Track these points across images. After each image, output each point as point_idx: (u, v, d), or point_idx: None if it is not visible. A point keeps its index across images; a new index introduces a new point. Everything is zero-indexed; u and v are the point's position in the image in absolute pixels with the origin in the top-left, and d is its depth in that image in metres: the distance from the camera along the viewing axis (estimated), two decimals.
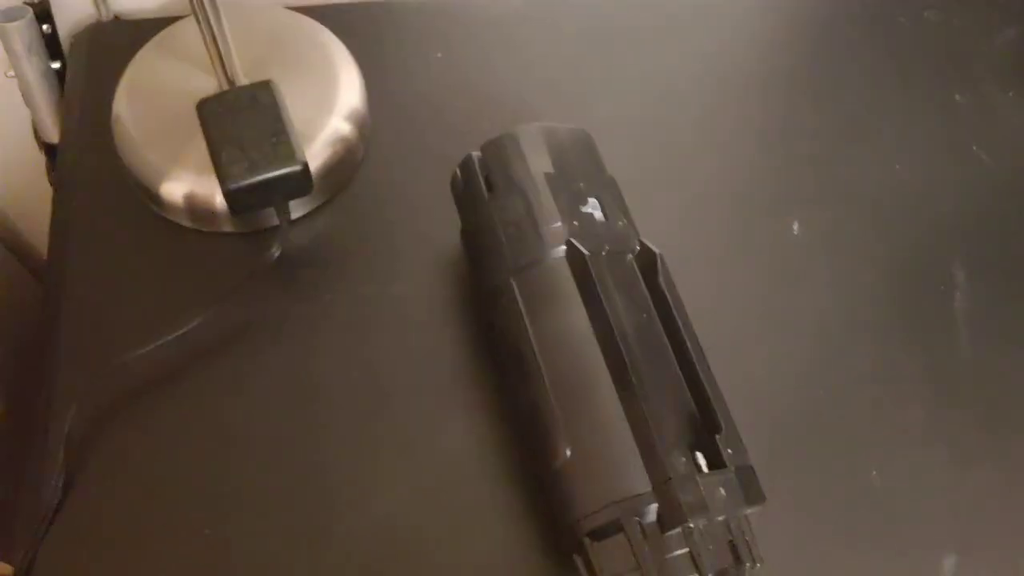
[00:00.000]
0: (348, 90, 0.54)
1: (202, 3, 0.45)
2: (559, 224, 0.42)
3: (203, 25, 0.47)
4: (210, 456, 0.44)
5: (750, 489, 0.38)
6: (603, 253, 0.42)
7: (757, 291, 0.52)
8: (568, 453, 0.39)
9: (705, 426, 0.39)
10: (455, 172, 0.47)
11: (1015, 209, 0.56)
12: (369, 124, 0.55)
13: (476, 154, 0.46)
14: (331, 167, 0.52)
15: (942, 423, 0.48)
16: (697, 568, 0.36)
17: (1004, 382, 0.50)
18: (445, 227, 0.49)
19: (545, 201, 0.43)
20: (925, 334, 0.51)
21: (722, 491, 0.37)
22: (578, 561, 0.39)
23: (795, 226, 0.53)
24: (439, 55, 0.59)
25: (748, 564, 0.37)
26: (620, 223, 0.44)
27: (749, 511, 0.38)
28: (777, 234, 0.53)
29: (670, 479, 0.36)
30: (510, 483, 0.44)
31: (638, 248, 0.44)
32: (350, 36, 0.56)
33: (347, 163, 0.54)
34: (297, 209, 0.52)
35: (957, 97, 0.61)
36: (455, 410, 0.46)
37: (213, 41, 0.48)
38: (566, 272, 0.42)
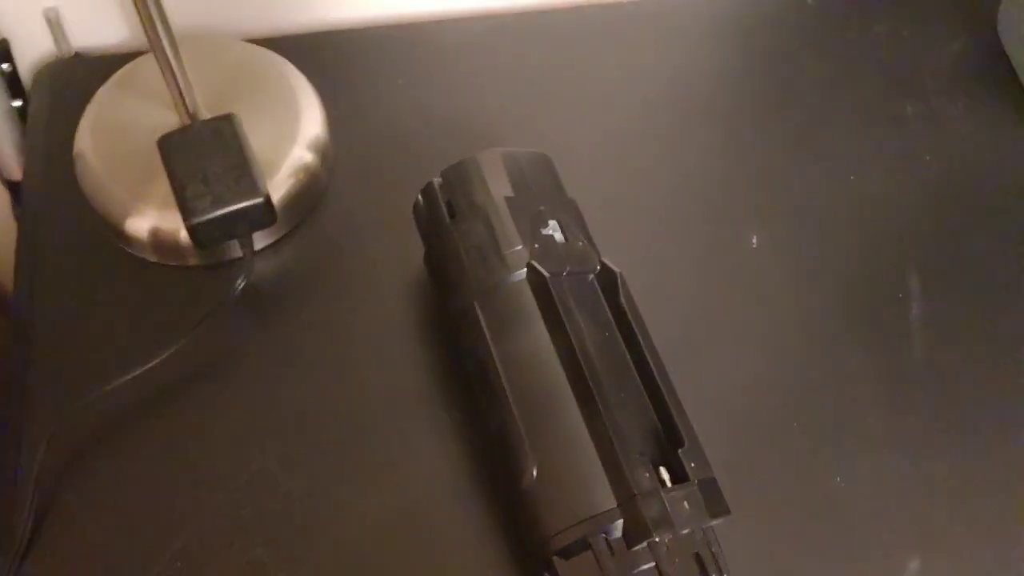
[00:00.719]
0: (309, 120, 0.55)
1: (159, 39, 0.46)
2: (520, 247, 0.43)
3: (161, 61, 0.47)
4: (181, 490, 0.44)
5: (714, 501, 0.39)
6: (564, 274, 0.43)
7: (717, 304, 0.53)
8: (534, 473, 0.39)
9: (668, 441, 0.40)
10: (417, 198, 0.48)
11: (966, 217, 0.58)
12: (332, 153, 0.56)
13: (437, 180, 0.47)
14: (294, 196, 0.53)
15: (901, 427, 0.49)
16: None
17: (958, 385, 0.51)
18: (409, 252, 0.50)
19: (506, 225, 0.44)
20: (883, 341, 0.52)
21: (686, 505, 0.38)
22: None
23: (753, 240, 0.54)
24: (400, 82, 0.60)
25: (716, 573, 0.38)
26: (580, 244, 0.45)
27: (714, 523, 0.39)
28: (735, 248, 0.55)
29: (635, 495, 0.37)
30: (481, 504, 0.45)
31: (599, 268, 0.44)
32: (310, 66, 0.56)
33: (310, 192, 0.54)
34: (261, 240, 0.52)
35: (908, 109, 0.62)
36: (426, 434, 0.47)
37: (172, 76, 0.48)
38: (528, 294, 0.42)
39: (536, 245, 0.43)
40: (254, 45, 0.58)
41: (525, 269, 0.43)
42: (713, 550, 0.39)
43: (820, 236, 0.56)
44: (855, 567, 0.45)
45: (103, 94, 0.54)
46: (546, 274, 0.42)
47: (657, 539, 0.37)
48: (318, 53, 0.59)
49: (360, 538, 0.44)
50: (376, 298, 0.51)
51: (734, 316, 0.52)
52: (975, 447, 0.49)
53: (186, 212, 0.46)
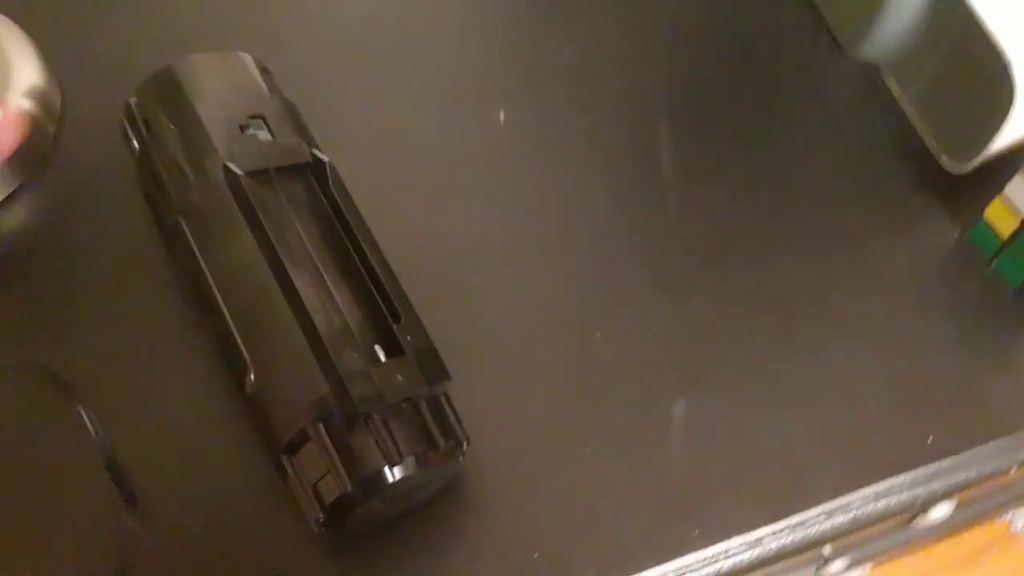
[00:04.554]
0: (23, 68, 0.52)
1: None
2: (217, 153, 0.41)
3: None
4: None
5: (432, 370, 0.38)
6: (270, 172, 0.41)
7: (471, 187, 0.51)
8: (252, 377, 0.38)
9: (387, 318, 0.39)
10: (121, 123, 0.45)
11: (712, 66, 0.57)
12: (58, 102, 0.53)
13: (134, 99, 0.44)
14: (19, 151, 0.50)
15: (658, 275, 0.49)
16: (384, 454, 0.36)
17: (710, 224, 0.51)
18: None
19: (198, 131, 0.42)
20: (640, 197, 0.52)
21: (399, 377, 0.37)
22: (286, 480, 0.38)
23: (501, 115, 0.53)
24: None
25: (447, 443, 0.38)
26: (290, 140, 0.43)
27: (433, 391, 0.38)
28: (484, 123, 0.53)
29: (340, 376, 0.36)
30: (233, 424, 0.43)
31: (310, 160, 0.43)
32: (20, 13, 0.53)
33: (37, 145, 0.51)
34: None
35: None
36: (173, 357, 0.45)
37: None
38: (229, 198, 0.41)
39: (235, 146, 0.41)
40: None
41: (222, 173, 0.41)
42: (443, 420, 0.38)
43: (568, 102, 0.55)
44: (620, 417, 0.45)
45: None
46: (239, 173, 0.40)
47: (374, 415, 0.36)
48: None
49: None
50: (122, 242, 0.48)
51: (486, 193, 0.51)
52: (732, 284, 0.49)
53: None
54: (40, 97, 0.51)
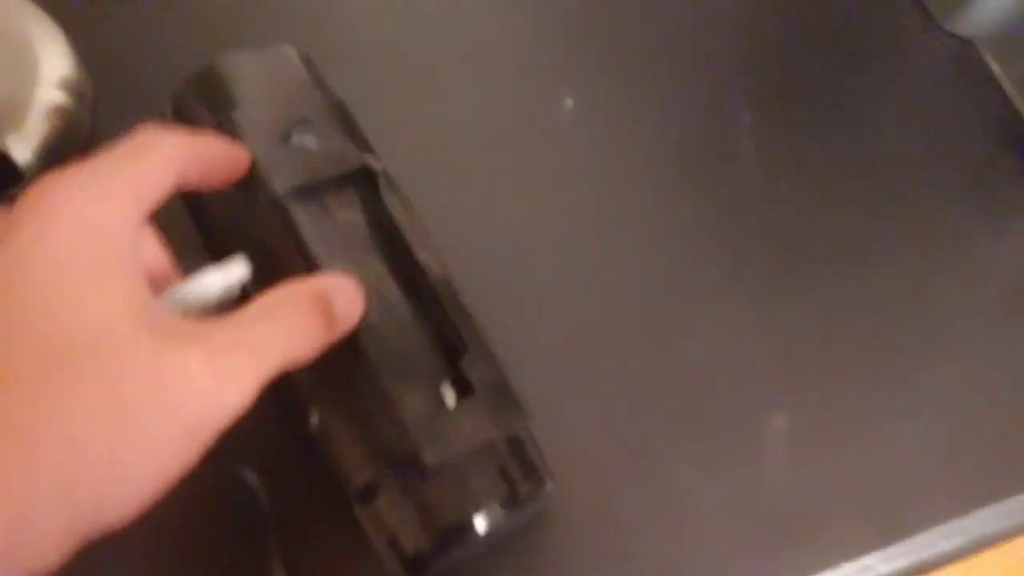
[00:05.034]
0: (52, 57, 0.48)
1: None
2: (258, 169, 0.37)
3: None
4: None
5: (506, 407, 0.35)
6: (318, 183, 0.38)
7: (536, 181, 0.47)
8: (315, 419, 0.36)
9: (452, 351, 0.36)
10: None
11: (791, 42, 0.52)
12: (91, 94, 0.49)
13: (170, 107, 0.41)
14: (53, 144, 0.46)
15: (746, 274, 0.45)
16: (462, 505, 0.33)
17: (796, 219, 0.47)
18: None
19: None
20: (713, 185, 0.47)
21: (469, 423, 0.34)
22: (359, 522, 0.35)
23: (568, 102, 0.49)
24: None
25: (529, 485, 0.34)
26: (338, 145, 0.39)
27: (507, 433, 0.35)
28: (550, 113, 0.49)
29: (406, 428, 0.33)
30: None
31: (362, 167, 0.39)
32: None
33: (71, 137, 0.48)
34: None
35: None
36: None
37: None
38: (275, 220, 0.37)
39: (278, 160, 0.37)
40: None
41: (265, 193, 0.37)
42: (523, 459, 0.35)
43: (638, 87, 0.50)
44: (716, 436, 0.41)
45: None
46: (282, 193, 0.36)
47: (440, 464, 0.33)
48: None
49: None
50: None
51: (553, 192, 0.47)
52: (822, 285, 0.45)
53: None
54: (72, 88, 0.48)
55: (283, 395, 0.37)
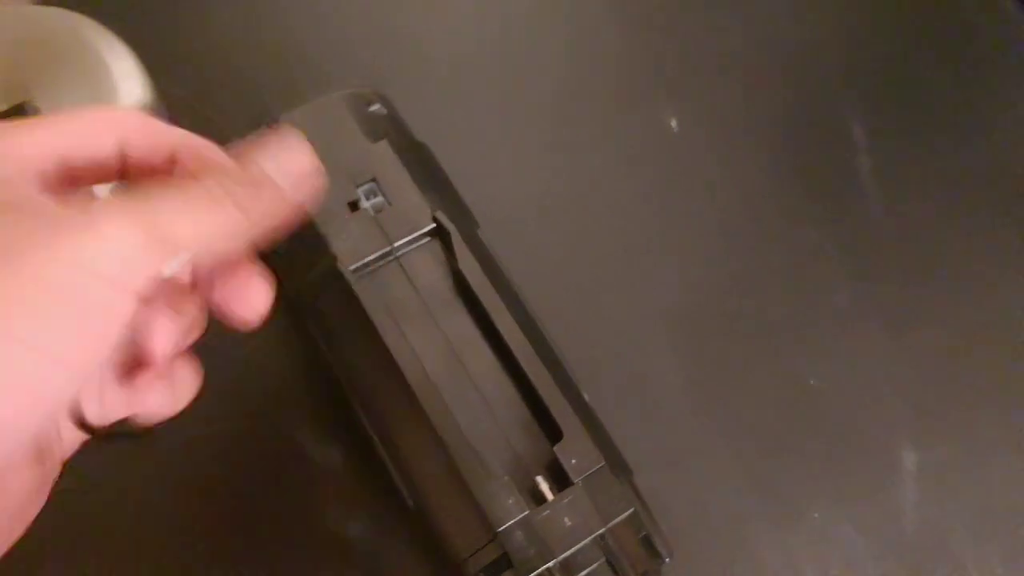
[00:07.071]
0: (126, 80, 0.46)
1: None
2: (325, 245, 0.35)
3: None
4: None
5: (606, 497, 0.32)
6: (387, 251, 0.35)
7: (649, 198, 0.43)
8: (411, 503, 0.34)
9: (546, 436, 0.33)
10: None
11: (900, 48, 0.45)
12: (165, 115, 0.48)
13: None
14: None
15: (873, 298, 0.40)
16: None
17: (922, 239, 0.41)
18: None
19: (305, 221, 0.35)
20: (833, 205, 0.42)
21: (567, 520, 0.31)
22: None
23: (673, 123, 0.44)
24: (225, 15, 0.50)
25: (640, 571, 0.32)
26: (410, 202, 0.36)
27: (610, 524, 0.32)
28: (656, 133, 0.44)
29: (496, 532, 0.31)
30: None
31: (433, 226, 0.36)
32: (116, 22, 0.47)
33: None
34: None
35: None
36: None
37: None
38: (345, 299, 0.34)
39: (346, 234, 0.35)
40: (43, 7, 0.49)
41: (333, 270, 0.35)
42: (629, 545, 0.32)
43: (745, 103, 0.44)
44: (846, 474, 0.38)
45: None
46: (351, 272, 0.34)
47: (541, 568, 0.31)
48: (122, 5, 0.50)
49: None
50: None
51: (670, 209, 0.43)
52: (954, 309, 0.40)
53: None
54: (145, 111, 0.47)
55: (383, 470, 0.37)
